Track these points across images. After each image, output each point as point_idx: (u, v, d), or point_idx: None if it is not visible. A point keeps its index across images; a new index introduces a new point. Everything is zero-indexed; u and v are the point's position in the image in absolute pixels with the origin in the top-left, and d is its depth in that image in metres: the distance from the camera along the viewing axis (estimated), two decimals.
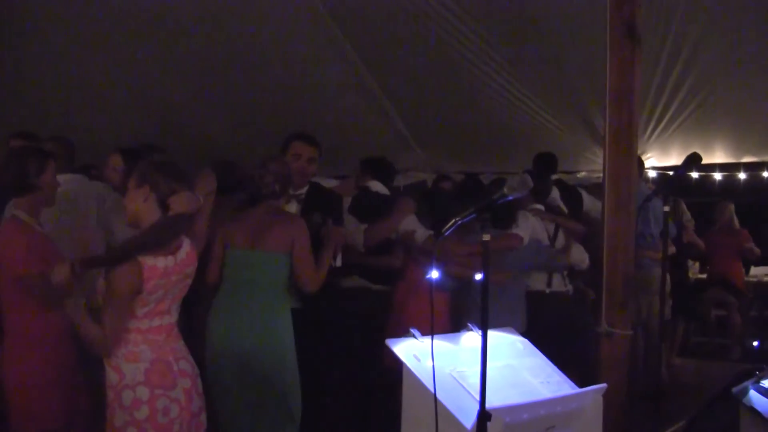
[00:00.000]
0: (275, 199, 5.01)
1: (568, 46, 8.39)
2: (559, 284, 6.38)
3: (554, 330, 5.94)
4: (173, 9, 7.73)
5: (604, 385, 3.51)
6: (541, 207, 6.49)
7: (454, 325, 5.14)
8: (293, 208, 5.50)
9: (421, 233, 5.83)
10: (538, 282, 6.32)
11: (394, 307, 5.88)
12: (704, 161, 11.17)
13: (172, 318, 3.67)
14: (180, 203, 3.63)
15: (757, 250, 9.97)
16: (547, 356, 3.87)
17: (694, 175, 11.75)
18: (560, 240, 6.49)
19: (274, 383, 4.71)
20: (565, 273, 6.44)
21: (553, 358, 3.91)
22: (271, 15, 7.97)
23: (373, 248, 5.95)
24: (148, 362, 3.51)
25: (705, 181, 11.73)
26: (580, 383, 3.65)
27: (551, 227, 6.50)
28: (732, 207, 9.78)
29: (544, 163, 7.59)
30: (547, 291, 6.33)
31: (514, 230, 5.99)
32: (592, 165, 10.24)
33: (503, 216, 5.84)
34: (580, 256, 6.47)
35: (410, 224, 5.93)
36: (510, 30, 8.29)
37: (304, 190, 5.61)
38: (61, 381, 4.25)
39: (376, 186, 6.35)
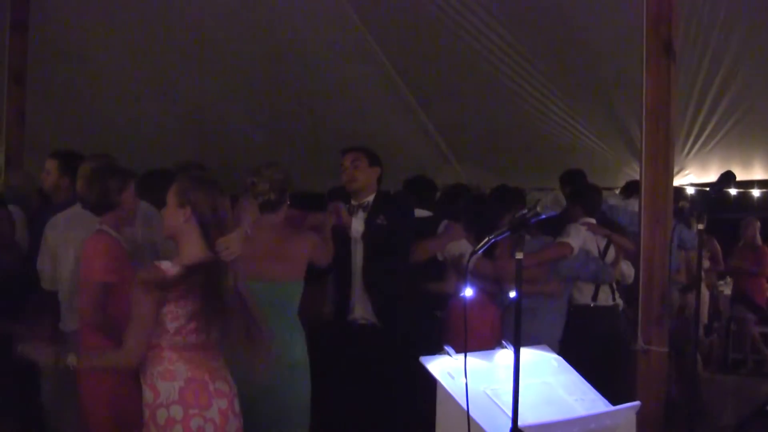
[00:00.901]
0: (272, 211, 4.64)
1: (607, 61, 8.40)
2: (606, 298, 6.35)
3: (598, 344, 5.94)
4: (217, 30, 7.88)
5: (637, 403, 3.50)
6: (592, 220, 6.47)
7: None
8: (360, 217, 5.42)
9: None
10: (584, 296, 6.31)
11: (449, 327, 5.85)
12: (743, 177, 11.18)
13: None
14: (230, 247, 3.61)
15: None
16: (589, 371, 3.86)
17: (733, 191, 11.69)
18: (610, 255, 6.46)
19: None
20: (614, 286, 6.41)
21: (597, 372, 3.92)
22: (316, 36, 8.07)
23: (425, 274, 5.89)
24: (183, 381, 3.48)
25: (743, 197, 11.67)
26: (624, 399, 3.64)
27: (602, 241, 6.47)
28: (757, 224, 9.62)
29: (577, 179, 7.57)
30: (592, 305, 6.31)
31: (565, 239, 6.00)
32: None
33: (554, 223, 5.83)
34: (628, 270, 6.46)
35: (458, 248, 5.94)
36: (549, 45, 8.32)
37: (370, 198, 5.51)
38: (130, 396, 4.21)
39: (419, 213, 6.33)
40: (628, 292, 6.44)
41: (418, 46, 8.45)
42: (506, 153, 10.61)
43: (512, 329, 3.09)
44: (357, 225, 5.33)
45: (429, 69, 8.90)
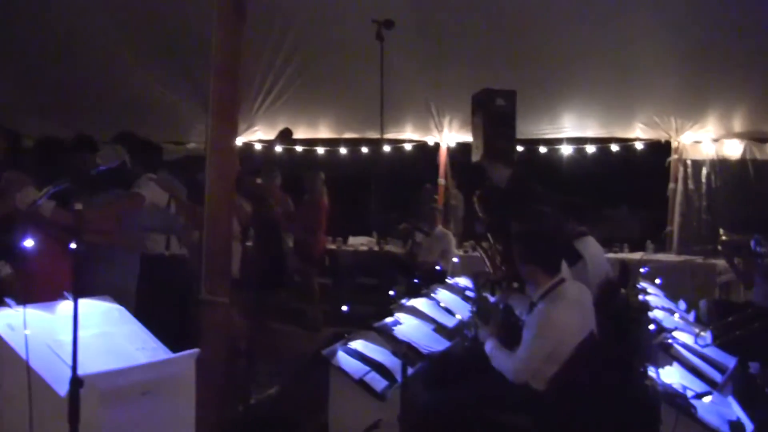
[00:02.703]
0: None
1: (183, 20, 8.48)
2: (176, 247, 6.48)
3: (173, 292, 6.02)
4: None
5: (197, 351, 3.62)
6: (154, 176, 6.50)
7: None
8: None
9: (45, 204, 5.57)
10: (157, 245, 6.36)
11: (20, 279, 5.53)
12: (310, 136, 11.88)
13: None
14: None
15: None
16: (164, 318, 3.90)
17: (299, 149, 12.39)
18: (172, 209, 6.57)
19: None
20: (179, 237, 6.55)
21: (172, 320, 3.96)
22: None
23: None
24: None
25: (309, 154, 12.43)
26: (193, 346, 3.72)
27: (166, 197, 6.55)
28: (320, 178, 10.09)
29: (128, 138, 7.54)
30: (167, 253, 6.39)
31: (138, 191, 5.99)
32: (203, 136, 10.41)
33: (123, 178, 5.77)
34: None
35: (29, 197, 5.62)
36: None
37: None
38: None
39: None
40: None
41: None
42: (84, 105, 10.37)
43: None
44: None
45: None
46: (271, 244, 8.91)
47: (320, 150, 12.62)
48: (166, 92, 10.43)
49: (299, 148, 12.54)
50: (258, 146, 11.75)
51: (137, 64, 9.92)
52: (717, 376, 4.77)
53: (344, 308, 7.52)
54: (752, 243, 6.55)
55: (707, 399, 3.95)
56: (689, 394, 3.93)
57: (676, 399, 3.86)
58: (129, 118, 10.24)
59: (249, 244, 6.90)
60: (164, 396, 3.50)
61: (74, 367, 3.00)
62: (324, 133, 12.10)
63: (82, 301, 3.14)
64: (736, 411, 4.10)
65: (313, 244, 9.90)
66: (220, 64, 4.98)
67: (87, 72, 9.75)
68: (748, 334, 5.54)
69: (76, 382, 2.99)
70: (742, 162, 10.94)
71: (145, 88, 10.21)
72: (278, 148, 11.92)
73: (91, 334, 3.44)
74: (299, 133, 11.94)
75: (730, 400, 4.30)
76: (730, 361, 5.09)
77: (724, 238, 7.12)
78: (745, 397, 4.63)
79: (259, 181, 4.68)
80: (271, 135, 11.13)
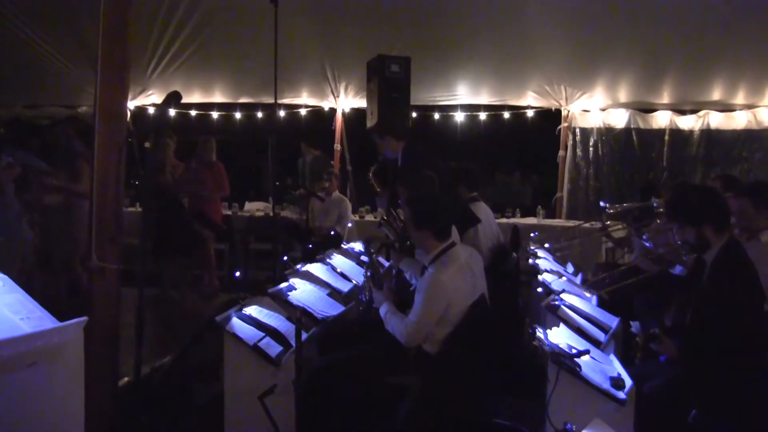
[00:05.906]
0: None
1: None
2: None
3: None
4: None
5: (84, 319, 3.55)
6: None
7: None
8: None
9: None
10: None
11: None
12: (204, 100, 11.73)
13: None
14: None
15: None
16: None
17: (193, 113, 12.23)
18: None
19: None
20: None
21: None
22: None
23: None
24: None
25: (204, 118, 12.27)
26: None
27: None
28: (213, 143, 9.90)
29: None
30: None
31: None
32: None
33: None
34: None
35: None
36: None
37: None
38: None
39: None
40: None
41: None
42: None
43: None
44: None
45: None
46: (168, 212, 8.80)
47: (215, 115, 12.48)
48: (56, 54, 10.17)
49: (194, 113, 12.40)
50: (151, 110, 11.53)
51: (26, 25, 9.64)
52: (601, 336, 4.95)
53: (236, 274, 7.49)
54: (655, 204, 6.76)
55: (586, 357, 4.07)
56: (574, 353, 4.05)
57: (561, 358, 3.97)
58: (18, 81, 9.98)
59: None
60: (51, 366, 3.43)
61: None
62: (219, 97, 11.97)
63: None
64: (618, 368, 4.24)
65: (212, 209, 9.81)
66: (109, 24, 4.81)
67: None
68: (630, 295, 5.75)
69: None
70: (626, 131, 11.37)
71: (35, 50, 9.92)
72: (172, 113, 11.76)
73: None
74: (194, 98, 11.79)
75: (612, 357, 4.46)
76: (613, 321, 5.29)
77: (611, 211, 7.34)
78: (625, 355, 4.83)
79: (147, 145, 4.55)
80: None
